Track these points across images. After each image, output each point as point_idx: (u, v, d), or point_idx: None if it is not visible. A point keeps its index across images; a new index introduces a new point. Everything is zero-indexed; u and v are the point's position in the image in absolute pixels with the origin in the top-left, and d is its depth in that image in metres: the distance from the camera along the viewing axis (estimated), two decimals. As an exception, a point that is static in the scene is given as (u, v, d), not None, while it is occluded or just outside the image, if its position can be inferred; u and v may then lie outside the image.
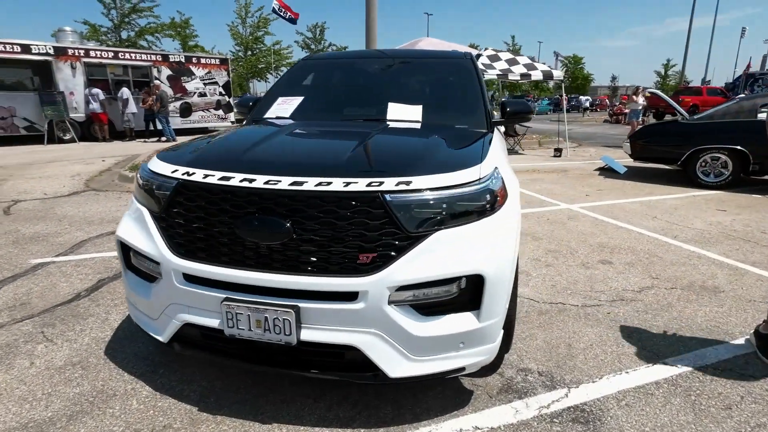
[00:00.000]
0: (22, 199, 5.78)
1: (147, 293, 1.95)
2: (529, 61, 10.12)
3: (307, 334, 1.69)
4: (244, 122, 3.08)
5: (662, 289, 3.23)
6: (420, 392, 2.08)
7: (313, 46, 30.80)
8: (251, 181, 1.73)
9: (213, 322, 1.77)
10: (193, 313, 1.82)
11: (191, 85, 15.70)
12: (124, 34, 24.38)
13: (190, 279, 1.79)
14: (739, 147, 6.51)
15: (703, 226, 4.83)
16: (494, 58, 10.03)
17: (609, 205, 5.73)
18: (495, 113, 3.02)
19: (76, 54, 13.13)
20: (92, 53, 13.54)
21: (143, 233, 1.93)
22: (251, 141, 2.13)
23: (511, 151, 11.42)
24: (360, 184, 1.67)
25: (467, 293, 1.74)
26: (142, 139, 13.71)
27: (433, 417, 1.93)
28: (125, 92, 13.53)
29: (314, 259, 1.67)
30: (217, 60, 16.56)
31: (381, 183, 1.67)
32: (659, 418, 1.93)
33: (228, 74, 16.72)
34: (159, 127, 13.38)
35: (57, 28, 14.84)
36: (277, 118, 2.94)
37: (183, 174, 1.85)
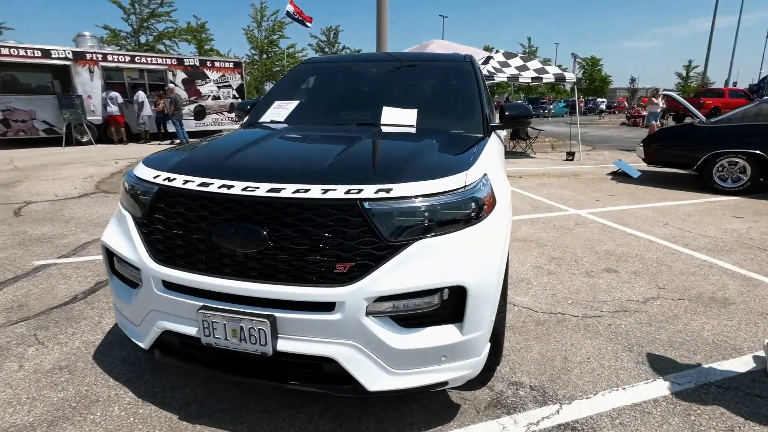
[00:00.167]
0: (34, 200, 5.90)
1: (129, 299, 1.93)
2: (540, 66, 9.96)
3: (284, 345, 1.65)
4: (239, 126, 3.07)
5: (668, 300, 3.10)
6: (404, 405, 2.02)
7: (327, 49, 30.98)
8: (229, 187, 1.70)
9: (191, 330, 1.75)
10: (172, 321, 1.80)
11: (205, 89, 15.91)
12: (142, 39, 24.91)
13: (170, 286, 1.77)
14: (758, 151, 6.27)
15: (717, 233, 4.65)
16: (504, 65, 9.90)
17: (619, 211, 5.57)
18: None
19: (94, 58, 13.43)
20: (109, 57, 13.84)
21: (126, 239, 1.92)
22: (236, 146, 2.11)
23: (523, 155, 11.27)
24: (338, 192, 1.62)
25: (450, 305, 1.68)
26: (157, 142, 13.93)
27: (417, 431, 1.87)
28: (141, 95, 13.79)
29: (290, 267, 1.63)
30: (231, 63, 16.77)
31: (360, 190, 1.62)
32: (655, 439, 1.84)
33: (242, 77, 16.91)
34: (172, 129, 13.59)
35: (77, 33, 15.20)
36: (272, 122, 2.92)
37: (164, 180, 1.83)
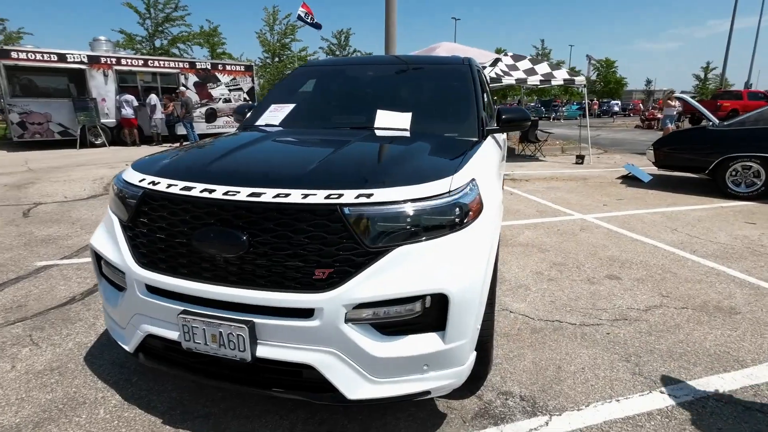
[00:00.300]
0: (44, 201, 6.01)
1: (116, 302, 1.94)
2: (548, 70, 9.84)
3: (264, 351, 1.64)
4: (235, 129, 3.08)
5: (671, 309, 3.01)
6: (390, 413, 1.98)
7: (338, 52, 31.11)
8: (211, 191, 1.69)
9: (173, 335, 1.74)
10: (155, 325, 1.79)
11: (217, 92, 16.10)
12: (157, 43, 25.29)
13: (153, 290, 1.77)
14: (773, 155, 6.10)
15: (727, 240, 4.52)
16: (513, 68, 9.81)
17: (626, 216, 5.46)
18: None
19: (108, 62, 13.70)
20: (123, 61, 14.09)
21: (112, 243, 1.92)
22: (223, 150, 2.10)
23: (532, 158, 11.14)
24: (318, 196, 1.60)
25: (432, 313, 1.64)
26: (168, 144, 14.12)
27: (399, 441, 1.83)
28: (153, 98, 14.01)
29: (269, 273, 1.61)
30: (242, 67, 16.94)
31: (340, 195, 1.60)
32: (646, 454, 1.77)
33: (252, 80, 17.07)
34: (183, 132, 13.76)
35: (93, 38, 15.51)
36: (267, 125, 2.92)
37: (149, 183, 1.84)
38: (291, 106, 3.02)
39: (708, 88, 49.77)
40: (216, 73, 16.00)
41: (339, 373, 1.62)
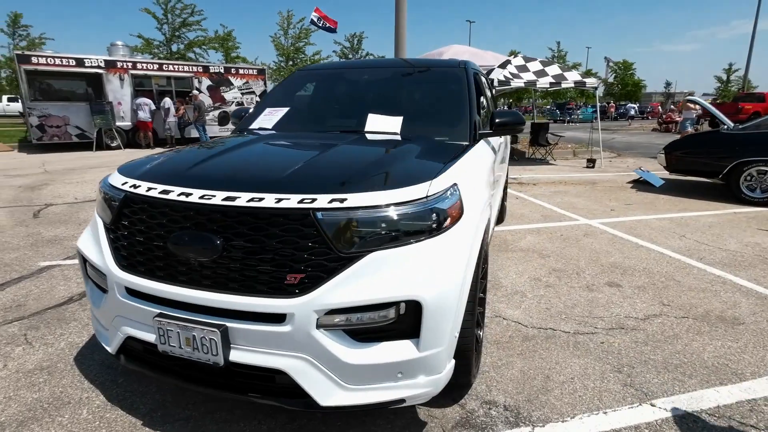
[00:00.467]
0: (54, 203, 6.16)
1: (99, 303, 1.96)
2: (559, 72, 9.70)
3: (237, 356, 1.63)
4: (230, 132, 3.11)
5: (671, 318, 2.92)
6: (369, 419, 1.96)
7: (350, 55, 31.27)
8: (188, 195, 1.70)
9: (150, 337, 1.75)
10: (134, 327, 1.81)
11: (229, 95, 16.32)
12: (174, 47, 25.79)
13: (132, 292, 1.78)
14: (790, 160, 5.90)
15: (737, 247, 4.37)
16: (523, 69, 9.70)
17: (634, 221, 5.33)
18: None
19: (125, 66, 14.01)
20: (139, 65, 14.39)
21: (96, 245, 1.95)
22: (206, 155, 2.12)
23: (542, 162, 11.00)
24: (292, 201, 1.60)
25: (406, 320, 1.62)
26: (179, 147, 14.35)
27: (376, 449, 1.81)
28: (167, 102, 14.26)
29: (242, 277, 1.61)
30: (255, 70, 17.14)
31: (313, 200, 1.59)
32: (629, 469, 1.71)
33: (265, 84, 17.25)
34: (195, 135, 13.98)
35: (111, 43, 15.88)
36: (261, 128, 2.94)
37: (130, 186, 1.86)
38: (285, 110, 3.03)
39: (730, 91, 48.54)
40: (229, 77, 16.22)
41: (311, 379, 1.61)
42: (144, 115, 13.87)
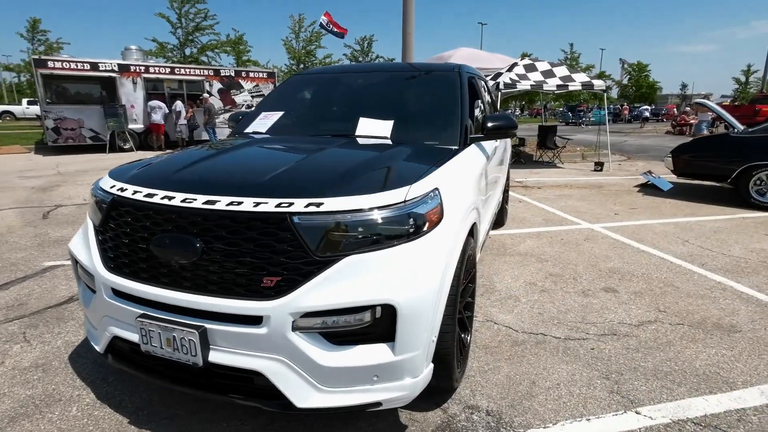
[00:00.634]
0: (64, 204, 6.30)
1: (89, 303, 2.02)
2: (567, 73, 9.63)
3: (215, 356, 1.66)
4: (227, 135, 3.16)
5: (666, 325, 2.88)
6: (351, 422, 1.97)
7: (360, 58, 31.41)
8: (170, 198, 1.74)
9: (135, 337, 1.79)
10: (120, 327, 1.85)
11: (240, 98, 16.50)
12: (187, 51, 26.21)
13: (117, 293, 1.83)
14: (801, 164, 5.76)
15: (741, 253, 4.29)
16: (530, 68, 9.65)
17: (637, 226, 5.26)
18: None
19: (137, 70, 14.27)
20: (151, 69, 14.67)
21: (86, 247, 2.00)
22: (193, 159, 2.16)
23: (549, 165, 10.91)
24: (269, 205, 1.62)
25: (382, 323, 1.63)
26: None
27: (354, 452, 1.82)
28: (179, 105, 14.48)
29: (221, 279, 1.64)
30: (265, 74, 17.32)
31: (290, 204, 1.62)
32: (607, 477, 1.70)
33: (274, 86, 17.41)
34: (205, 137, 14.17)
35: (125, 47, 16.20)
36: (254, 132, 2.98)
37: (117, 190, 1.91)
38: (279, 114, 3.07)
39: (748, 92, 47.55)
40: (239, 80, 16.41)
41: (287, 381, 1.63)
42: (157, 117, 14.12)
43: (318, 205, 1.61)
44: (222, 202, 1.66)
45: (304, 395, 1.64)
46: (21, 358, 2.46)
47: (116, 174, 2.08)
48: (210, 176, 1.99)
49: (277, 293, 1.59)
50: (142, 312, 1.73)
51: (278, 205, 1.62)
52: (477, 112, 3.41)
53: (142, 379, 2.24)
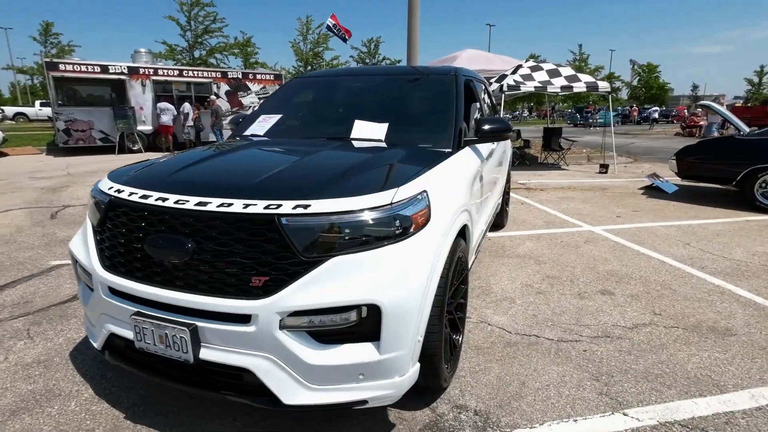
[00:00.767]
0: (72, 204, 6.43)
1: (87, 301, 2.08)
2: (572, 73, 9.60)
3: (206, 354, 1.71)
4: (227, 137, 3.22)
5: (660, 327, 2.88)
6: (341, 420, 2.01)
7: (367, 60, 31.53)
8: (164, 200, 1.80)
9: (130, 334, 1.85)
10: (116, 324, 1.91)
11: (247, 100, 16.67)
12: (196, 53, 26.53)
13: (114, 291, 1.89)
14: (807, 166, 5.70)
15: (743, 256, 4.26)
16: (536, 69, 9.63)
17: (638, 229, 5.24)
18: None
19: (146, 72, 14.49)
20: (160, 72, 14.87)
21: (84, 246, 2.07)
22: (189, 161, 2.22)
23: (554, 167, 10.87)
24: (258, 206, 1.67)
25: (368, 323, 1.67)
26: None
27: (341, 449, 1.86)
28: (186, 107, 14.68)
29: (211, 279, 1.69)
30: (272, 75, 17.49)
31: (279, 206, 1.66)
32: (590, 477, 1.72)
33: (281, 89, 17.55)
34: (213, 139, 14.33)
35: (134, 50, 16.45)
36: (253, 135, 3.04)
37: (115, 191, 1.97)
38: (277, 117, 3.12)
39: (761, 93, 46.93)
40: (246, 82, 16.58)
41: (275, 378, 1.67)
42: (166, 119, 14.31)
43: (305, 207, 1.66)
44: (213, 204, 1.71)
45: (292, 392, 1.68)
46: (24, 354, 2.54)
47: (114, 176, 2.15)
48: (203, 178, 2.04)
49: (265, 292, 1.63)
50: (136, 310, 1.79)
51: (267, 207, 1.66)
52: (476, 114, 3.44)
53: (140, 376, 2.31)
